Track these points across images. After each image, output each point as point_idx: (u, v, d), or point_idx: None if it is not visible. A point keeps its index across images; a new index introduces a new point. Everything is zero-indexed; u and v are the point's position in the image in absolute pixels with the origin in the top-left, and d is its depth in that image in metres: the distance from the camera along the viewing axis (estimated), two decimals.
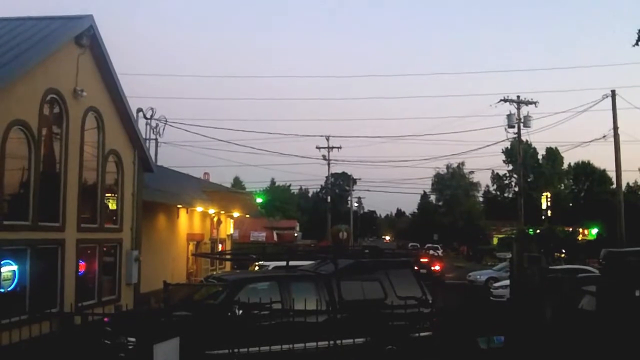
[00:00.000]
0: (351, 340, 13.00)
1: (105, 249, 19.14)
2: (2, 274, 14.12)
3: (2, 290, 14.03)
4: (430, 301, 15.33)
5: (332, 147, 70.12)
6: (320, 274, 14.91)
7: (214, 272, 28.47)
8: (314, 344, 12.08)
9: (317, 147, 70.32)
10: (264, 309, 12.84)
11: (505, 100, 46.05)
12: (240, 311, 13.02)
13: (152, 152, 35.39)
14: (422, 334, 14.01)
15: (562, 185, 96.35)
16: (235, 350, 11.88)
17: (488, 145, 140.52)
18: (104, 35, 18.29)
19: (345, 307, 14.04)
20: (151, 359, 10.31)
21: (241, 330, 12.39)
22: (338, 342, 12.54)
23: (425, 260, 42.25)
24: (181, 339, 11.19)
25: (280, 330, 12.56)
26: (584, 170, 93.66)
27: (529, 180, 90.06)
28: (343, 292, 14.40)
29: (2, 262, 14.10)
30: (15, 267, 14.60)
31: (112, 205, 19.88)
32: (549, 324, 10.85)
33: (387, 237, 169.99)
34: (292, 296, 13.74)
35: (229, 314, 13.06)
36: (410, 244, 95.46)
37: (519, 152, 50.82)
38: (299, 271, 15.61)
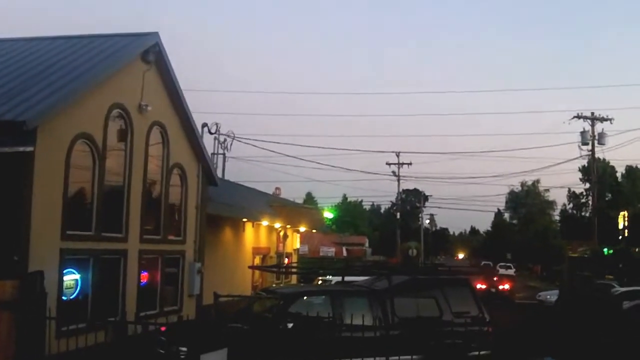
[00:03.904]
0: (404, 357, 12.86)
1: (167, 260, 19.52)
2: (65, 283, 14.60)
3: (64, 298, 14.49)
4: (488, 320, 15.04)
5: (402, 163, 69.80)
6: (374, 290, 14.83)
7: (274, 285, 28.60)
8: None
9: (387, 163, 70.18)
10: (316, 323, 12.86)
11: (579, 117, 44.89)
12: (292, 324, 13.08)
13: (219, 167, 36.16)
14: (481, 353, 13.73)
15: None
16: None
17: (559, 163, 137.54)
18: (169, 51, 18.82)
19: (399, 323, 13.91)
20: None
21: (292, 343, 12.43)
22: (390, 358, 12.43)
23: (494, 279, 41.46)
24: (232, 350, 11.33)
25: (329, 344, 12.54)
26: None
27: (607, 199, 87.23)
28: (397, 309, 14.28)
29: (65, 271, 14.58)
30: (78, 276, 15.08)
31: (175, 217, 20.30)
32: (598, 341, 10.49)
33: (460, 255, 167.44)
34: (345, 311, 13.70)
35: (281, 326, 13.13)
36: (483, 262, 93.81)
37: (593, 170, 49.35)
38: (352, 286, 15.56)
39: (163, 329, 13.74)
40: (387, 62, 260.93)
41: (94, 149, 15.73)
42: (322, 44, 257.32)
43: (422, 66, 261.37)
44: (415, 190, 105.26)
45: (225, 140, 38.06)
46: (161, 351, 12.80)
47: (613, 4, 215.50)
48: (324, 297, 14.46)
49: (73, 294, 14.93)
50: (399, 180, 71.01)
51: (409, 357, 12.82)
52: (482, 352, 13.66)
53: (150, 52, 17.94)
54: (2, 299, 11.88)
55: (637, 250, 52.04)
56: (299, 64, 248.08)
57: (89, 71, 15.83)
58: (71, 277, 14.86)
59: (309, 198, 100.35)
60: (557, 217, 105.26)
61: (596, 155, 47.06)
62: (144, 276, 18.11)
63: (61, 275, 14.40)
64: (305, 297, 14.44)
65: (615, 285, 32.02)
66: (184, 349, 12.00)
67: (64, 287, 14.53)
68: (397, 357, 12.48)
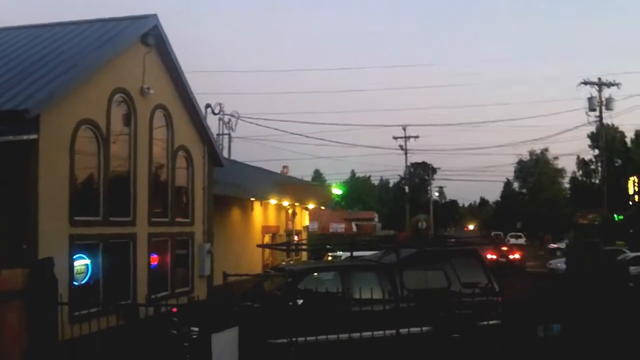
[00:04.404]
0: (414, 329, 12.93)
1: (177, 242, 19.63)
2: (76, 268, 14.71)
3: (75, 283, 14.62)
4: (497, 289, 15.09)
5: (409, 137, 69.75)
6: (382, 264, 14.90)
7: (283, 263, 28.75)
8: (370, 333, 12.07)
9: (394, 137, 70.15)
10: (327, 299, 12.95)
11: (585, 83, 44.59)
12: (302, 301, 13.17)
13: (225, 147, 36.18)
14: (490, 322, 13.77)
15: None
16: (294, 339, 11.99)
17: (567, 130, 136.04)
18: (170, 33, 18.76)
19: (408, 295, 13.99)
20: (210, 347, 10.58)
21: (303, 319, 12.51)
22: (400, 330, 12.51)
23: (505, 249, 41.53)
24: (243, 328, 11.42)
25: (341, 319, 12.61)
26: None
27: (616, 165, 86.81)
28: (405, 281, 14.35)
29: (75, 257, 14.70)
30: (88, 261, 15.18)
31: (183, 200, 20.38)
32: (602, 310, 10.53)
33: (471, 227, 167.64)
34: (354, 286, 13.78)
35: (291, 303, 13.22)
36: (494, 232, 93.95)
37: (601, 136, 49.11)
38: (361, 261, 15.64)
39: (174, 310, 13.87)
40: (388, 35, 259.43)
41: (98, 135, 15.77)
42: (324, 21, 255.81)
43: (423, 38, 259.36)
44: (424, 164, 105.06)
45: (229, 120, 38.09)
46: (174, 332, 12.94)
47: None
48: (333, 272, 14.54)
49: (84, 279, 15.05)
50: (406, 154, 71.19)
51: (419, 328, 12.88)
52: (491, 322, 13.71)
53: (149, 35, 17.87)
54: (13, 287, 11.97)
55: None
56: (300, 42, 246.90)
57: (89, 56, 15.79)
58: (81, 263, 14.97)
59: (317, 175, 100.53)
60: (567, 185, 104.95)
61: (604, 121, 46.89)
62: (154, 259, 18.22)
63: (71, 261, 14.50)
64: (314, 274, 14.51)
65: (626, 251, 32.13)
66: (196, 329, 12.12)
67: (74, 273, 14.64)
68: (407, 330, 12.56)
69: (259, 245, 25.42)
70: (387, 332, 12.55)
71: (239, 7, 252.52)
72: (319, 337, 11.90)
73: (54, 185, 14.03)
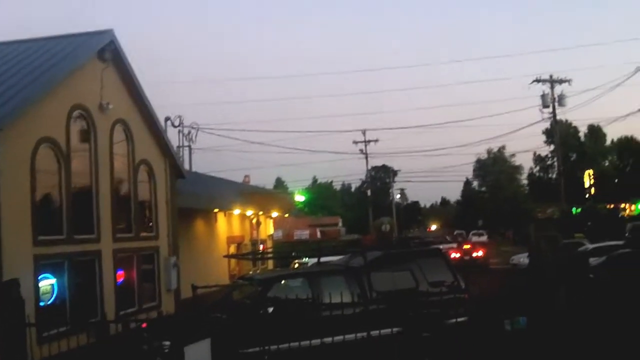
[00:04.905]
0: (384, 330, 13.06)
1: (142, 257, 19.52)
2: (41, 288, 14.55)
3: (42, 303, 14.46)
4: (464, 287, 15.31)
5: (369, 141, 70.26)
6: (350, 268, 15.02)
7: (250, 272, 28.76)
8: (341, 337, 12.16)
9: (354, 142, 70.59)
10: (297, 306, 13.01)
11: (538, 81, 45.53)
12: (272, 309, 13.21)
13: (186, 159, 36.03)
14: (458, 320, 13.98)
15: (607, 162, 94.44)
16: (266, 347, 12.03)
17: (522, 128, 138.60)
18: (129, 48, 18.71)
19: (377, 298, 14.12)
20: None
21: (273, 327, 12.55)
22: (371, 333, 12.62)
23: (468, 247, 42.09)
24: (215, 339, 11.43)
25: (312, 325, 12.68)
26: (628, 145, 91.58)
27: (572, 159, 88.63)
28: (373, 284, 14.48)
29: (40, 277, 14.54)
30: (53, 281, 15.04)
31: (146, 214, 20.28)
32: (563, 298, 10.84)
33: (433, 227, 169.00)
34: (324, 291, 13.86)
35: (261, 312, 13.25)
36: (456, 231, 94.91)
37: (555, 132, 50.14)
38: (329, 266, 15.75)
39: (144, 325, 13.80)
40: (341, 39, 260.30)
41: (58, 152, 15.64)
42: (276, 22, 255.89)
43: (376, 39, 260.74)
44: (384, 167, 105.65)
45: (189, 132, 37.94)
46: (144, 347, 12.87)
47: None
48: (302, 279, 14.60)
49: (50, 298, 14.90)
50: (367, 158, 71.65)
51: (389, 330, 13.02)
52: (459, 319, 13.92)
53: (106, 50, 17.78)
54: None
55: (603, 207, 53.28)
56: (255, 48, 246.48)
57: (46, 73, 15.68)
58: (47, 282, 14.82)
59: (279, 183, 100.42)
60: (525, 181, 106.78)
61: (558, 117, 47.89)
62: (120, 275, 18.10)
63: (37, 281, 14.35)
64: (282, 281, 14.57)
65: (585, 243, 32.81)
66: (167, 342, 12.08)
67: (40, 293, 14.49)
68: (377, 332, 12.68)
69: (225, 256, 25.41)
70: (359, 335, 12.65)
71: (199, 17, 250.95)
72: (291, 344, 11.96)
73: (16, 205, 13.89)
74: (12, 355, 12.06)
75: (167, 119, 34.70)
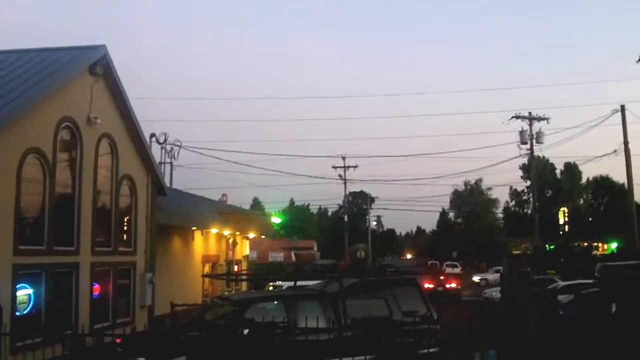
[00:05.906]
0: (357, 358, 13.26)
1: (119, 272, 19.57)
2: (18, 298, 14.59)
3: (18, 313, 14.49)
4: (436, 318, 15.56)
5: (348, 167, 70.65)
6: (327, 293, 15.22)
7: (226, 293, 28.81)
8: None
9: (333, 167, 70.95)
10: (272, 328, 13.17)
11: (517, 117, 46.33)
12: (247, 330, 13.37)
13: (167, 176, 36.06)
14: (430, 350, 14.21)
15: (582, 200, 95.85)
16: None
17: (501, 162, 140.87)
18: (117, 63, 18.92)
19: (352, 324, 14.31)
20: None
21: (248, 349, 12.71)
22: (344, 359, 12.80)
23: (441, 278, 42.40)
24: (190, 358, 11.57)
25: (285, 348, 12.85)
26: (603, 184, 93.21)
27: (547, 195, 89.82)
28: (349, 310, 14.69)
29: (17, 286, 14.58)
30: (30, 291, 15.09)
31: (125, 229, 20.37)
32: (534, 333, 11.14)
33: (408, 255, 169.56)
34: (300, 314, 14.03)
35: (237, 333, 13.40)
36: (430, 261, 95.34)
37: (532, 168, 50.91)
38: (306, 290, 15.94)
39: (118, 340, 13.85)
40: (319, 69, 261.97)
41: (45, 163, 15.77)
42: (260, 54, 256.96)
43: (360, 70, 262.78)
44: (362, 193, 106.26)
45: (172, 149, 38.01)
46: None
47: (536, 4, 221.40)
48: (277, 302, 14.77)
49: (26, 309, 14.94)
50: (345, 184, 71.81)
51: (362, 357, 13.20)
52: (431, 350, 14.16)
53: (97, 65, 18.01)
54: None
55: (576, 244, 53.98)
56: (246, 72, 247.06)
57: (37, 84, 15.83)
58: (24, 292, 14.86)
59: (256, 203, 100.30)
60: (501, 215, 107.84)
61: (535, 154, 48.60)
62: (96, 288, 18.15)
63: (14, 290, 14.39)
64: (259, 303, 14.73)
65: (557, 280, 33.32)
66: (141, 359, 12.17)
67: (17, 303, 14.53)
68: (350, 358, 12.87)
69: (204, 275, 25.45)
70: None
71: (189, 36, 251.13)
72: None
73: (0, 213, 13.96)
74: None
75: (152, 135, 34.79)
